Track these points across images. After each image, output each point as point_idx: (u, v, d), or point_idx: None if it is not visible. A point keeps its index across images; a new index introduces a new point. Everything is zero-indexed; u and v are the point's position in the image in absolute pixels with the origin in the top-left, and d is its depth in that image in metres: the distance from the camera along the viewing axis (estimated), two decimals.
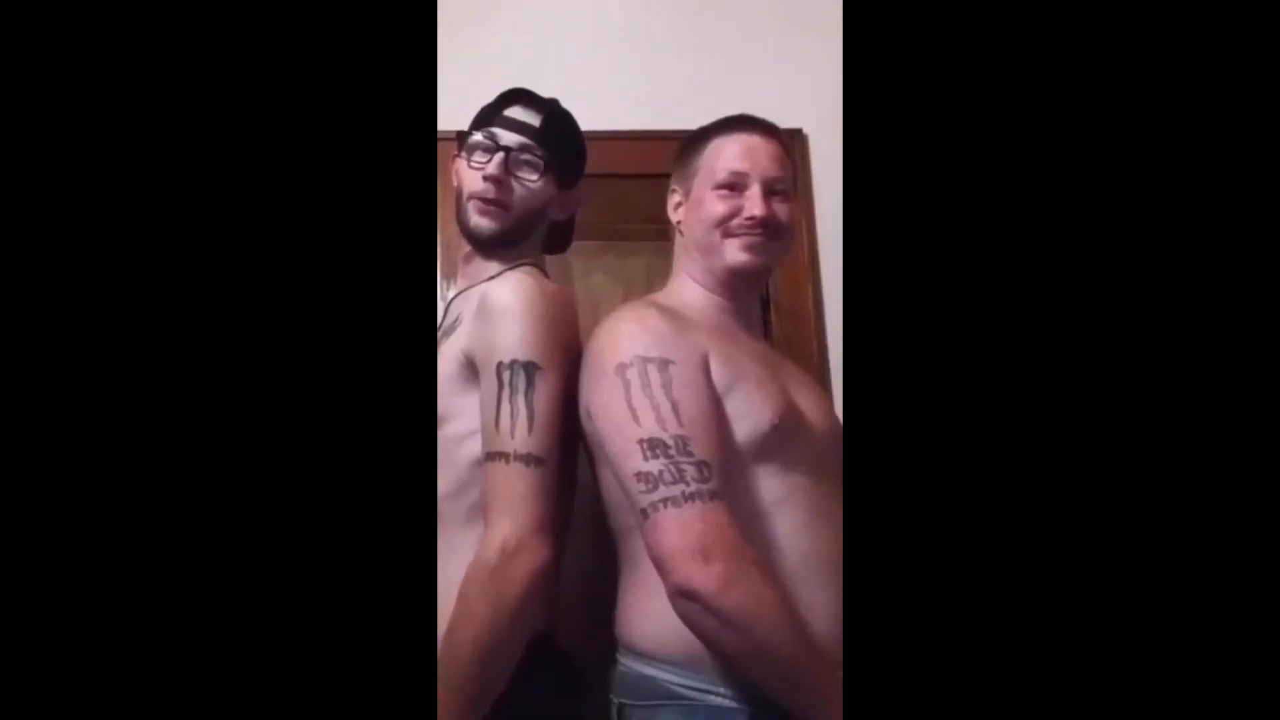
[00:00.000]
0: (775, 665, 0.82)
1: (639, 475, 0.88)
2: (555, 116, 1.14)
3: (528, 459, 0.93)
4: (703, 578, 0.82)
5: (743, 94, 1.74)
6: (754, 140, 1.11)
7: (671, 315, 1.01)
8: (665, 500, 0.86)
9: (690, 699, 0.86)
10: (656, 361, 0.92)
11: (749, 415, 0.94)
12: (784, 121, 1.73)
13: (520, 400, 0.95)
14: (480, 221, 1.11)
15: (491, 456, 0.93)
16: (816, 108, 1.66)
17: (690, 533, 0.84)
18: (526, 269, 1.08)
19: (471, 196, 1.12)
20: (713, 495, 0.86)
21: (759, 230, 1.06)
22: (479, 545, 0.90)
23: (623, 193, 1.61)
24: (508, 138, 1.10)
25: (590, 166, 1.61)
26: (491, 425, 0.94)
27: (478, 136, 1.13)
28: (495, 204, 1.10)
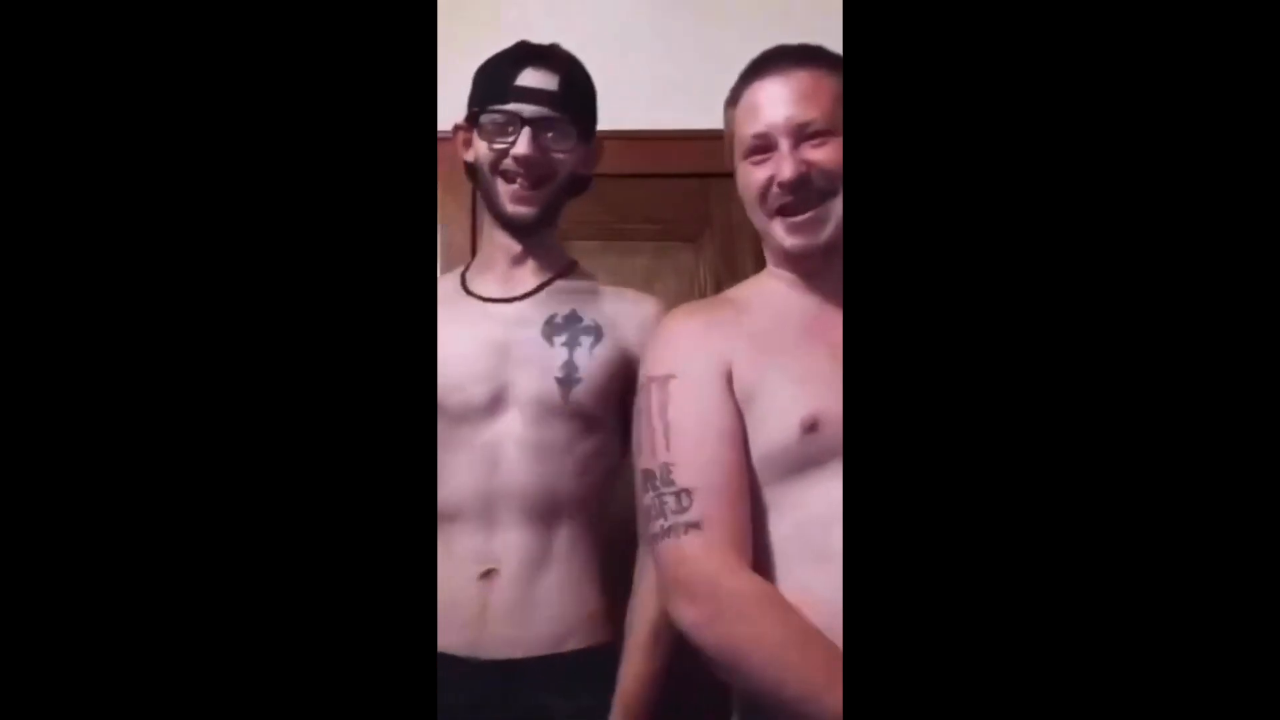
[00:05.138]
0: (768, 698, 0.78)
1: (642, 510, 0.87)
2: (572, 72, 1.07)
3: None
4: (683, 616, 0.81)
5: None
6: (776, 85, 0.93)
7: (719, 311, 0.95)
8: (654, 536, 0.84)
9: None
10: (659, 380, 0.89)
11: (772, 422, 0.86)
12: None
13: None
14: (518, 210, 1.05)
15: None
16: None
17: (670, 570, 0.82)
18: (654, 298, 1.08)
19: (500, 176, 1.04)
20: (689, 526, 0.82)
21: (797, 196, 0.89)
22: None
23: (623, 193, 1.61)
24: (529, 110, 1.02)
25: None
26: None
27: (495, 116, 1.04)
28: (531, 187, 1.03)
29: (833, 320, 0.87)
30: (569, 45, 1.74)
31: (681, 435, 0.86)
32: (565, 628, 0.97)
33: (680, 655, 0.92)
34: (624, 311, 1.06)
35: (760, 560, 0.84)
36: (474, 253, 1.60)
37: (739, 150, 0.95)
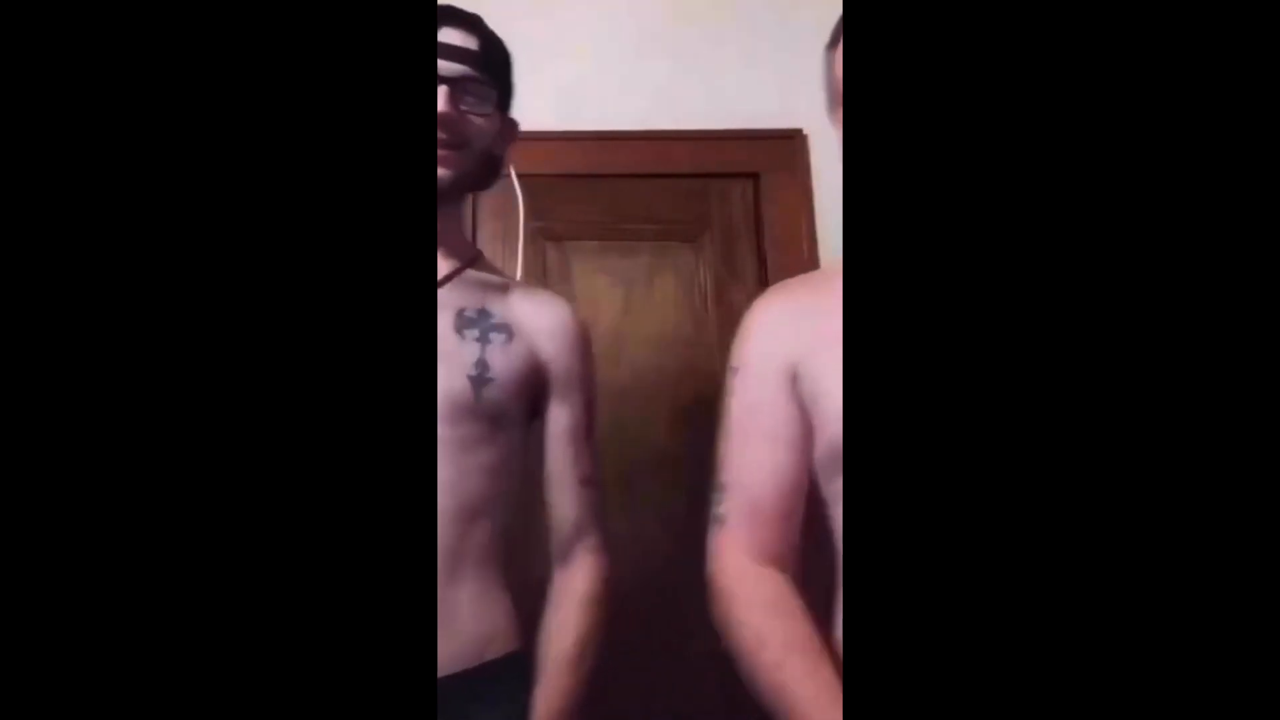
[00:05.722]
0: (772, 705, 0.78)
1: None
2: (491, 37, 1.02)
3: (600, 486, 1.01)
4: (712, 612, 0.83)
5: (743, 94, 1.75)
6: None
7: (803, 297, 0.92)
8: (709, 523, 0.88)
9: None
10: (730, 371, 0.91)
11: (833, 419, 0.82)
12: (784, 122, 1.74)
13: (594, 435, 1.03)
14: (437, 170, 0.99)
15: (588, 482, 1.00)
16: (816, 108, 1.66)
17: (707, 563, 0.86)
18: (565, 302, 1.07)
19: None
20: (718, 521, 0.84)
21: None
22: (590, 565, 0.98)
23: (623, 193, 1.62)
24: (448, 68, 0.96)
25: (590, 166, 1.62)
26: (585, 450, 1.01)
27: None
28: (450, 146, 0.96)
29: None
30: (570, 46, 1.75)
31: (733, 430, 0.88)
32: (483, 639, 0.94)
33: (602, 672, 0.95)
34: (534, 313, 1.02)
35: (824, 553, 0.83)
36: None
37: (835, 95, 0.89)
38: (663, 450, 1.51)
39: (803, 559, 0.85)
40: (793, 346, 0.87)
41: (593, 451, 1.03)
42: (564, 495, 1.01)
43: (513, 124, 1.07)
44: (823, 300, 0.87)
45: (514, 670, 0.94)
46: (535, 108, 1.67)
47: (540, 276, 1.58)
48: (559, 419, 1.01)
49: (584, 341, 1.05)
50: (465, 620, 0.93)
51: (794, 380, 0.85)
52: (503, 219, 1.59)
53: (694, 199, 1.64)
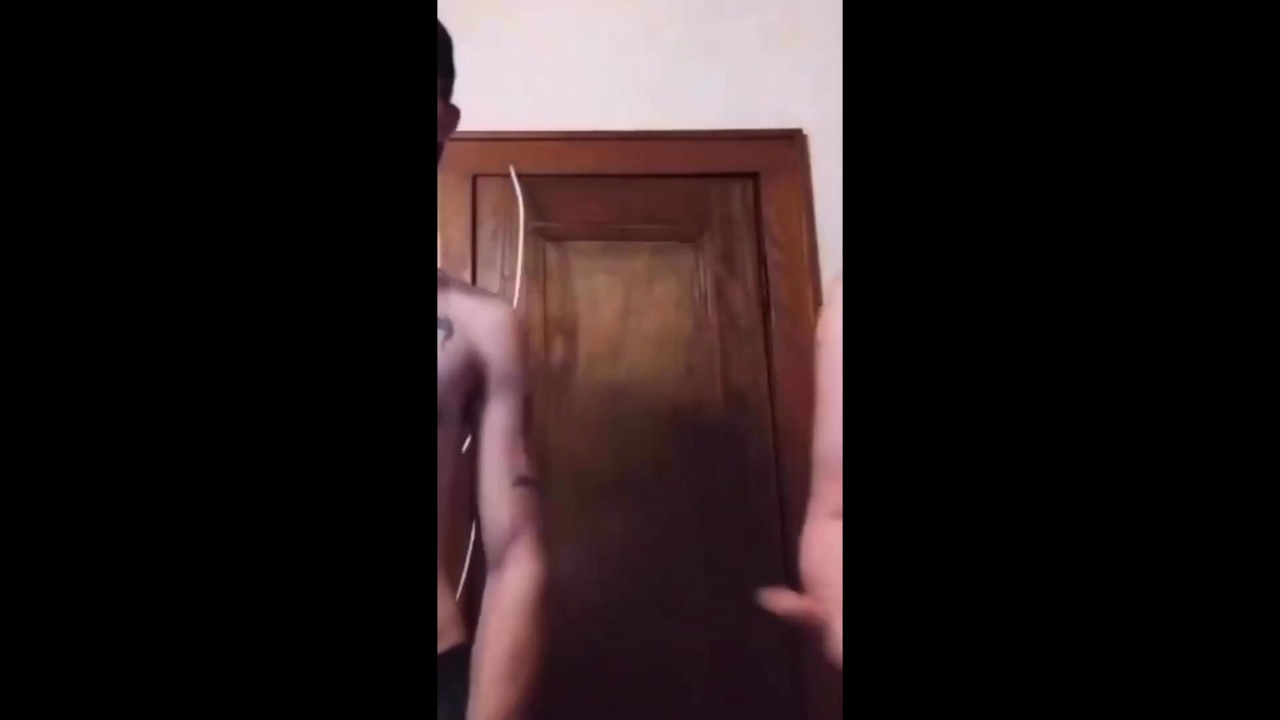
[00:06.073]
0: None
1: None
2: None
3: (539, 486, 0.98)
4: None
5: (743, 94, 1.75)
6: None
7: None
8: None
9: None
10: (815, 344, 0.87)
11: None
12: (784, 122, 1.74)
13: (529, 434, 1.00)
14: None
15: (526, 482, 0.98)
16: (816, 108, 1.66)
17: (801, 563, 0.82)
18: (503, 302, 1.09)
19: None
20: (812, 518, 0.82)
21: None
22: (524, 570, 0.95)
23: (623, 193, 1.61)
24: None
25: (590, 166, 1.62)
26: (520, 450, 0.98)
27: None
28: None
29: None
30: (569, 46, 1.74)
31: (821, 403, 0.85)
32: None
33: (545, 685, 0.93)
34: (473, 311, 1.03)
35: None
36: (474, 253, 1.61)
37: None
38: (662, 450, 1.51)
39: None
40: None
41: (528, 451, 1.02)
42: (497, 496, 0.99)
43: (454, 111, 1.06)
44: None
45: (455, 666, 0.93)
46: (535, 108, 1.68)
47: (540, 276, 1.58)
48: (494, 418, 1.00)
49: (522, 342, 1.05)
50: None
51: None
52: (503, 218, 1.59)
53: (694, 199, 1.64)
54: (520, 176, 1.57)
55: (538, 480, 1.01)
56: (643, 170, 1.63)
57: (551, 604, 0.97)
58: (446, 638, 0.94)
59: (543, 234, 1.60)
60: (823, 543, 0.80)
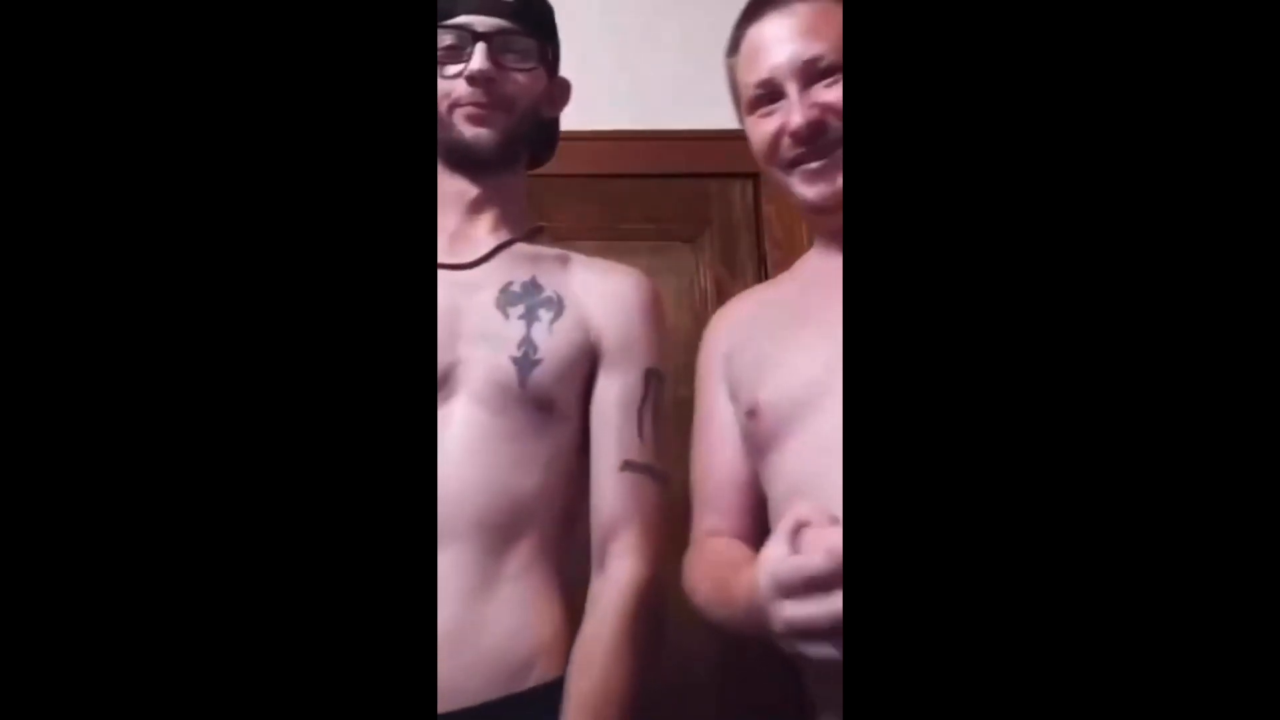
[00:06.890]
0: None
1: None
2: None
3: (664, 477, 0.88)
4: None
5: None
6: (777, 22, 0.80)
7: (743, 306, 0.94)
8: None
9: None
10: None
11: (751, 390, 0.84)
12: None
13: (651, 413, 0.88)
14: (478, 132, 0.88)
15: (635, 466, 0.86)
16: None
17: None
18: (633, 270, 0.95)
19: (456, 107, 0.88)
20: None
21: (811, 146, 0.78)
22: (623, 570, 0.83)
23: (623, 193, 1.61)
24: (483, 23, 0.86)
25: (590, 166, 1.61)
26: (633, 430, 0.87)
27: (444, 36, 0.87)
28: (489, 107, 0.87)
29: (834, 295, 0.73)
30: (569, 45, 1.74)
31: (695, 447, 0.92)
32: (522, 661, 0.79)
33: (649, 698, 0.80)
34: (590, 283, 0.91)
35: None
36: None
37: (744, 103, 0.85)
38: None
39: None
40: (725, 341, 0.90)
41: (646, 432, 0.88)
42: (603, 483, 0.87)
43: (564, 84, 0.98)
44: (748, 299, 0.93)
45: (559, 702, 0.78)
46: None
47: None
48: (604, 392, 0.89)
49: (646, 311, 0.92)
50: (500, 639, 0.79)
51: (728, 366, 0.88)
52: None
53: (694, 199, 1.63)
54: None
55: (652, 466, 0.88)
56: (643, 170, 1.62)
57: (654, 615, 0.83)
58: (550, 667, 0.81)
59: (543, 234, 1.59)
60: (700, 560, 0.84)
